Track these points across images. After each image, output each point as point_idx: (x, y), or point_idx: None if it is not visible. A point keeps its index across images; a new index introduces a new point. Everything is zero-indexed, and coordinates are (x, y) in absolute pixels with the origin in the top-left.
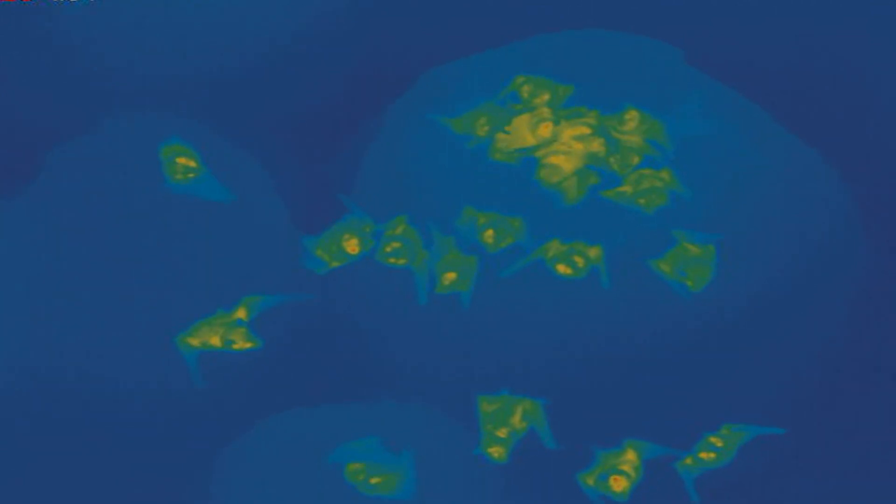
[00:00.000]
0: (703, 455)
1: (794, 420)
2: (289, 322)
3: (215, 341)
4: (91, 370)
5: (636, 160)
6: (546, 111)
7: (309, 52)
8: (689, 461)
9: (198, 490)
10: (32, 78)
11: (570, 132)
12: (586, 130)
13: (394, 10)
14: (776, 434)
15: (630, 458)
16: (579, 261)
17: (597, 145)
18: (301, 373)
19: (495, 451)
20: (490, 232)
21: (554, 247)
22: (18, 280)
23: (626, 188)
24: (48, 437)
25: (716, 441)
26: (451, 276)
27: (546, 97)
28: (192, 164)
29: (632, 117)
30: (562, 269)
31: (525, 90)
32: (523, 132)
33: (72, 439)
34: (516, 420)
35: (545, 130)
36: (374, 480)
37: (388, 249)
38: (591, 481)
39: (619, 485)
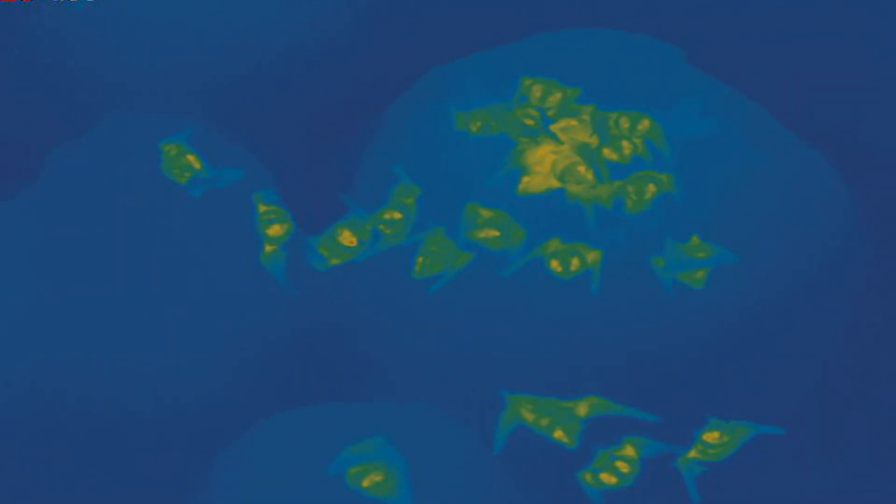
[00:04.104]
0: (707, 437)
1: (794, 420)
2: (289, 322)
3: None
4: (91, 370)
5: (629, 153)
6: (552, 111)
7: (309, 53)
8: (693, 454)
9: (198, 490)
10: (32, 78)
11: (565, 131)
12: (582, 130)
13: (395, 10)
14: (776, 434)
15: (628, 453)
16: (575, 262)
17: (593, 142)
18: (301, 373)
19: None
20: (490, 231)
21: (554, 245)
22: (18, 280)
23: (626, 188)
24: (48, 436)
25: (719, 423)
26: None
27: (559, 96)
28: (196, 164)
29: (644, 126)
30: (554, 265)
31: (535, 91)
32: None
33: (72, 439)
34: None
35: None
36: (372, 479)
37: (387, 216)
38: (589, 478)
39: (614, 475)
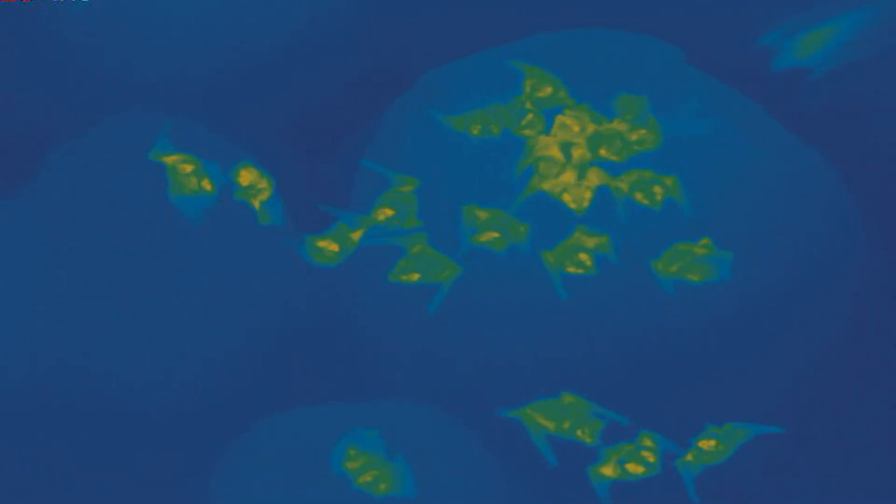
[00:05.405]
0: (703, 444)
1: (793, 420)
2: (289, 322)
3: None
4: (91, 370)
5: (630, 146)
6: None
7: (309, 53)
8: (689, 457)
9: (198, 490)
10: (32, 78)
11: (563, 129)
12: (580, 129)
13: (394, 10)
14: (776, 434)
15: (648, 444)
16: (585, 258)
17: (588, 148)
18: (301, 373)
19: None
20: (490, 234)
21: (551, 256)
22: (18, 280)
23: (623, 185)
24: (48, 437)
25: (716, 431)
26: (415, 276)
27: (549, 90)
28: (209, 187)
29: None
30: (572, 269)
31: (535, 90)
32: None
33: (72, 439)
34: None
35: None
36: (371, 477)
37: (382, 217)
38: (610, 471)
39: (637, 469)
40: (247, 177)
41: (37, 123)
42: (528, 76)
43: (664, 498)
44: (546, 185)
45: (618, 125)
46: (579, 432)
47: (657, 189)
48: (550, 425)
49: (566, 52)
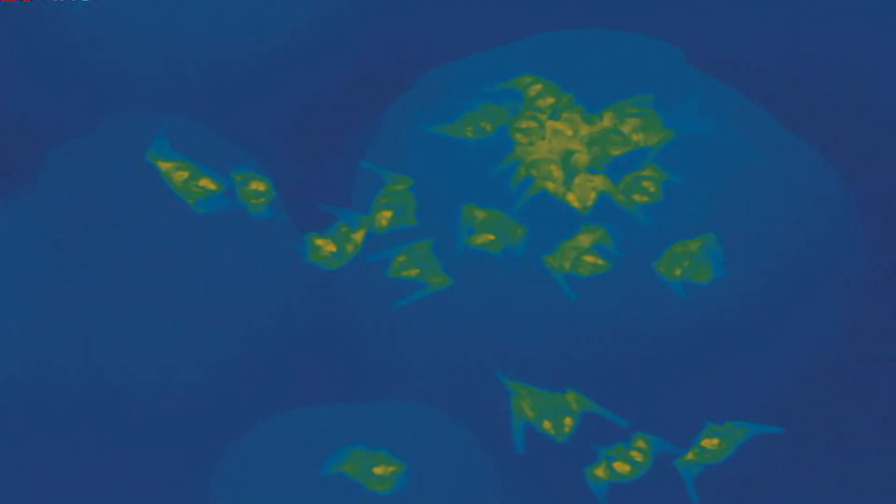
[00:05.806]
0: (703, 443)
1: (793, 420)
2: (289, 322)
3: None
4: (90, 370)
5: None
6: (544, 115)
7: (309, 52)
8: (689, 456)
9: (198, 490)
10: (32, 78)
11: (561, 130)
12: (579, 129)
13: (394, 10)
14: (776, 434)
15: (640, 445)
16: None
17: (583, 152)
18: (301, 373)
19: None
20: (486, 235)
21: (558, 259)
22: (18, 279)
23: (619, 195)
24: (47, 438)
25: (717, 429)
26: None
27: (550, 101)
28: (213, 186)
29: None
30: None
31: (532, 90)
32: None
33: (71, 440)
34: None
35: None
36: (371, 477)
37: (383, 222)
38: (600, 473)
39: (623, 468)
40: (252, 184)
41: (37, 123)
42: (530, 88)
43: (663, 499)
44: (547, 186)
45: (608, 121)
46: (547, 424)
47: (647, 184)
48: (531, 414)
49: (566, 53)
